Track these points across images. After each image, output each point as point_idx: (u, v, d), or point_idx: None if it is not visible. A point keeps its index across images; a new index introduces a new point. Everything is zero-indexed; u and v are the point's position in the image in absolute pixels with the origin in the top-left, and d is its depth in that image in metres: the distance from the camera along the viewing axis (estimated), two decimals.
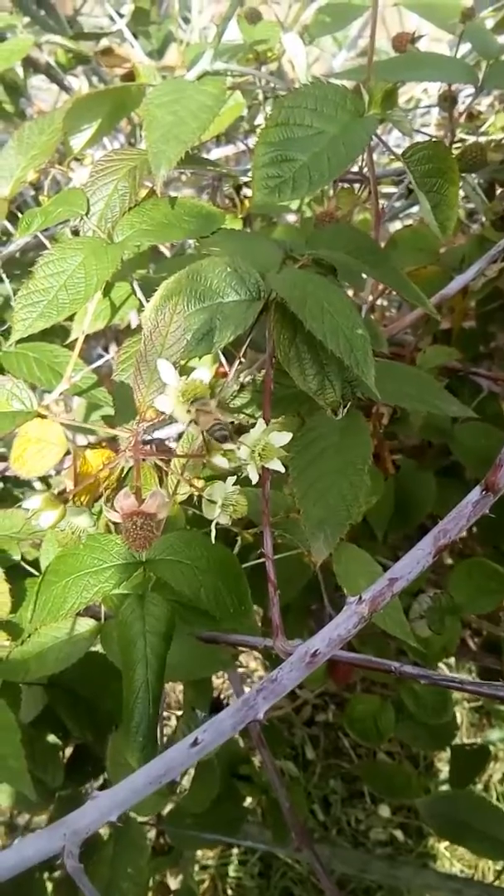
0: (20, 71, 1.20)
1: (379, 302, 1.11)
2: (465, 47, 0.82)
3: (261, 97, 0.79)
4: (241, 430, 0.56)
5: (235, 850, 1.35)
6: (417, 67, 0.59)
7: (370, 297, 0.69)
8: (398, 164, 0.83)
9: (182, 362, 0.43)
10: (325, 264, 0.51)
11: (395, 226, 1.22)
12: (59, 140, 0.58)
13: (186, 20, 1.43)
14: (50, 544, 0.61)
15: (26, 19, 1.25)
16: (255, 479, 0.43)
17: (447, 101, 0.73)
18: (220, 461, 0.40)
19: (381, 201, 0.98)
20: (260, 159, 0.47)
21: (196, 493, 0.52)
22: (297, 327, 0.45)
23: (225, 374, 0.59)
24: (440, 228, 0.49)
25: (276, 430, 0.44)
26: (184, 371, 0.41)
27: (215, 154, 1.07)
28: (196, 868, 1.33)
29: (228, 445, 0.41)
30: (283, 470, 0.45)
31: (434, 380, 0.59)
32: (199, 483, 0.52)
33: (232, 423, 0.55)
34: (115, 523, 0.43)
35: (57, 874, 0.88)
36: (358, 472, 0.51)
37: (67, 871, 0.31)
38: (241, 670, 1.49)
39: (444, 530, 0.41)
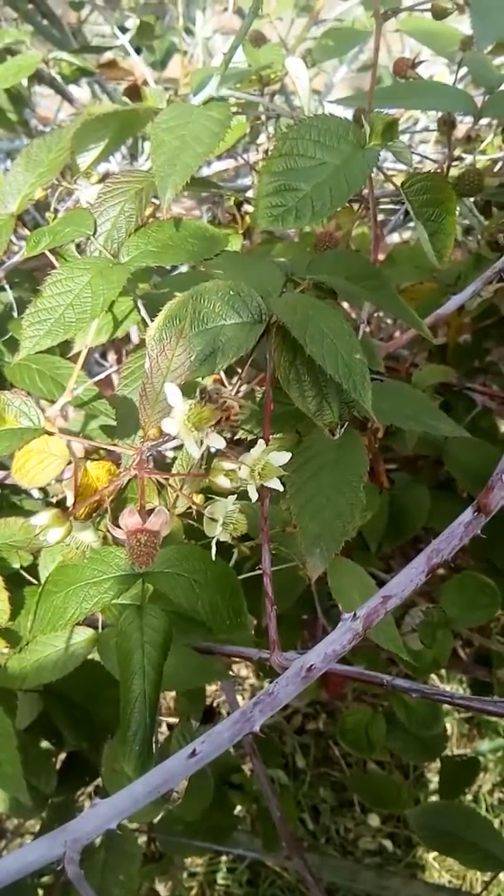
0: (24, 81, 1.21)
1: (375, 314, 1.13)
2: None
3: (263, 117, 0.80)
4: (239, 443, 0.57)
5: (224, 858, 1.36)
6: (417, 96, 0.61)
7: (365, 315, 0.70)
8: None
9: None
10: (325, 288, 0.52)
11: (393, 238, 1.24)
12: (66, 158, 0.60)
13: (189, 31, 1.45)
14: (49, 555, 0.62)
15: (29, 27, 1.27)
16: (254, 497, 0.44)
17: (446, 125, 0.74)
18: (222, 481, 0.41)
19: (379, 216, 0.99)
20: (264, 188, 0.49)
21: (194, 507, 0.53)
22: (297, 350, 0.47)
23: (221, 383, 0.60)
24: (437, 256, 0.50)
25: (276, 449, 0.45)
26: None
27: (215, 167, 1.08)
28: (184, 875, 1.33)
29: (230, 465, 0.42)
30: (281, 488, 0.46)
31: (429, 399, 0.60)
32: (198, 498, 0.54)
33: (231, 438, 0.56)
34: (114, 537, 0.44)
35: (45, 879, 0.89)
36: (354, 489, 0.52)
37: (69, 876, 0.32)
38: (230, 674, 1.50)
39: (437, 549, 0.42)
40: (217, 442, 0.40)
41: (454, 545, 0.42)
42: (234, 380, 0.55)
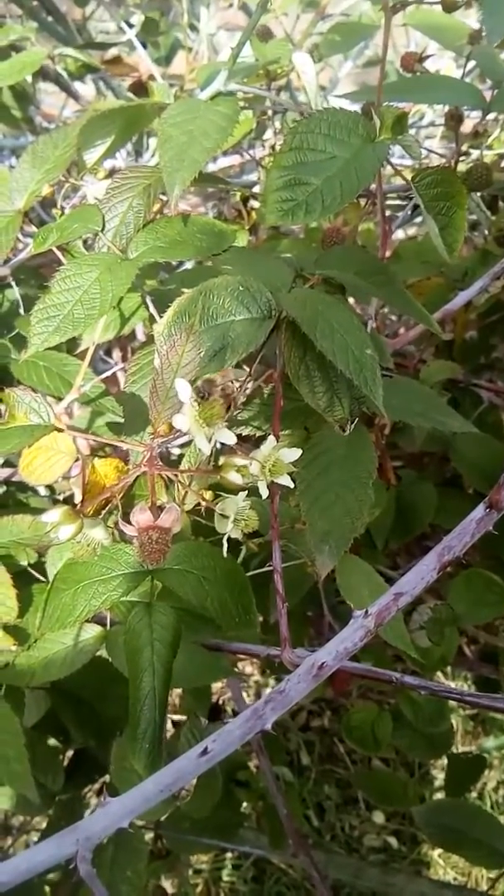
0: (29, 78, 1.21)
1: (380, 310, 1.12)
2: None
3: (269, 112, 0.80)
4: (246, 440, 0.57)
5: (229, 855, 1.36)
6: (426, 90, 0.60)
7: (373, 311, 0.70)
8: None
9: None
10: (333, 283, 0.52)
11: (398, 234, 1.24)
12: (72, 154, 0.60)
13: (193, 27, 1.44)
14: (57, 552, 0.62)
15: (34, 24, 1.27)
16: (265, 494, 0.44)
17: (453, 119, 0.74)
18: (234, 477, 0.41)
19: (386, 212, 0.99)
20: (274, 182, 0.48)
21: (203, 503, 0.53)
22: (307, 346, 0.47)
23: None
24: (447, 250, 0.50)
25: (285, 445, 0.45)
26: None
27: (221, 163, 1.08)
28: (189, 872, 1.34)
29: (241, 460, 0.42)
30: (291, 485, 0.46)
31: (438, 396, 0.60)
32: (207, 494, 0.53)
33: (240, 434, 0.56)
34: (123, 534, 0.44)
35: (52, 876, 0.89)
36: (363, 485, 0.52)
37: (81, 875, 0.32)
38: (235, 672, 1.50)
39: (449, 547, 0.42)
40: (228, 438, 0.40)
41: (466, 542, 0.41)
42: (244, 378, 0.55)
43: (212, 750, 0.36)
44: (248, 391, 0.55)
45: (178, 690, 1.01)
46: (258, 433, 0.57)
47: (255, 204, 0.86)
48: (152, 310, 0.60)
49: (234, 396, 0.51)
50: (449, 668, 1.43)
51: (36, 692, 0.69)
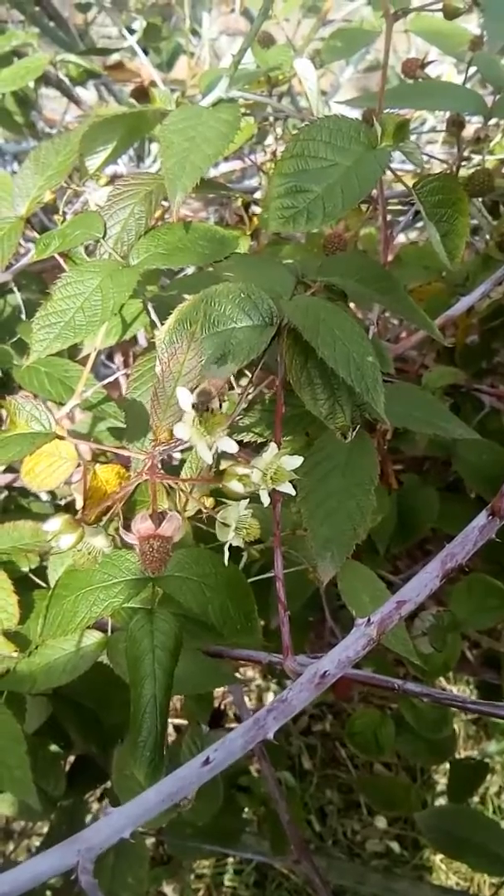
0: (31, 83, 1.21)
1: (381, 314, 1.12)
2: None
3: (271, 118, 0.80)
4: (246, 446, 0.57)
5: (231, 860, 1.36)
6: (428, 96, 0.60)
7: (374, 317, 0.70)
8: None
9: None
10: (335, 290, 0.52)
11: (399, 238, 1.24)
12: (74, 161, 0.60)
13: (195, 33, 1.45)
14: (58, 558, 0.62)
15: (36, 30, 1.27)
16: (266, 502, 0.44)
17: (455, 125, 0.74)
18: (235, 486, 0.41)
19: (387, 216, 0.99)
20: (275, 189, 0.48)
21: (204, 510, 0.53)
22: (308, 353, 0.47)
23: (230, 387, 0.60)
24: (449, 257, 0.50)
25: (287, 452, 0.45)
26: None
27: (222, 168, 1.08)
28: (191, 877, 1.33)
29: (242, 469, 0.42)
30: (293, 492, 0.46)
31: (440, 402, 0.60)
32: (208, 501, 0.53)
33: (241, 441, 0.56)
34: (124, 541, 0.44)
35: (53, 881, 0.89)
36: (365, 492, 0.52)
37: (82, 886, 0.32)
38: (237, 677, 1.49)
39: (452, 554, 0.42)
40: (229, 446, 0.40)
41: (469, 549, 0.41)
42: (244, 382, 0.55)
43: (214, 759, 0.36)
44: (249, 398, 0.55)
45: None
46: (259, 439, 0.57)
47: (256, 209, 0.87)
48: (154, 316, 0.60)
49: (231, 400, 0.51)
50: (451, 674, 1.43)
51: (37, 698, 0.69)
